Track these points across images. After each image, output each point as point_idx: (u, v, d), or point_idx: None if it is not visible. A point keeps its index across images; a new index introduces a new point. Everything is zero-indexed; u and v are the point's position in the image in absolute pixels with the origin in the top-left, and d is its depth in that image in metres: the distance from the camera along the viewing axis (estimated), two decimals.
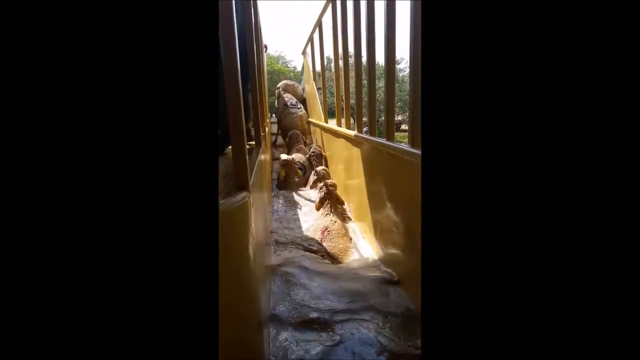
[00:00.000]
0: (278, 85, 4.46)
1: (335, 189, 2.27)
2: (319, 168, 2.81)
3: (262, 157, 1.44)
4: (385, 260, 1.59)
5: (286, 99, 4.06)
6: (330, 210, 2.15)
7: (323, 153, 3.26)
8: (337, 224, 1.97)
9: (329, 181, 2.33)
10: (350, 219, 2.17)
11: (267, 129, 2.62)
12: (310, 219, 2.21)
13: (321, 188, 2.27)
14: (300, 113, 3.96)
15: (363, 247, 1.86)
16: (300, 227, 2.13)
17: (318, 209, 2.22)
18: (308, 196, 2.69)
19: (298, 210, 2.47)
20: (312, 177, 2.86)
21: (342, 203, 2.27)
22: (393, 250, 1.50)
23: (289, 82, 4.54)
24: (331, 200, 2.20)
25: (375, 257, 1.70)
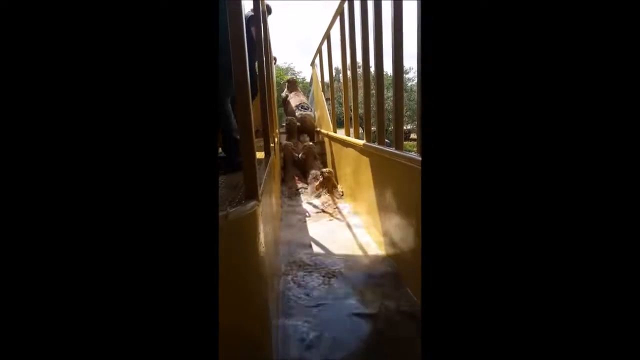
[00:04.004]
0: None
1: (332, 175, 2.98)
2: (325, 170, 3.14)
3: (271, 167, 1.46)
4: (403, 274, 1.57)
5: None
6: (326, 192, 2.91)
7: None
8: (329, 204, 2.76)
9: (325, 170, 3.04)
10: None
11: (276, 140, 2.65)
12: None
13: (321, 174, 3.02)
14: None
15: (373, 251, 1.85)
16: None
17: (317, 189, 2.96)
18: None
19: None
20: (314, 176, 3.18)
21: (335, 186, 2.97)
22: (403, 256, 1.49)
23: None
24: (327, 185, 2.94)
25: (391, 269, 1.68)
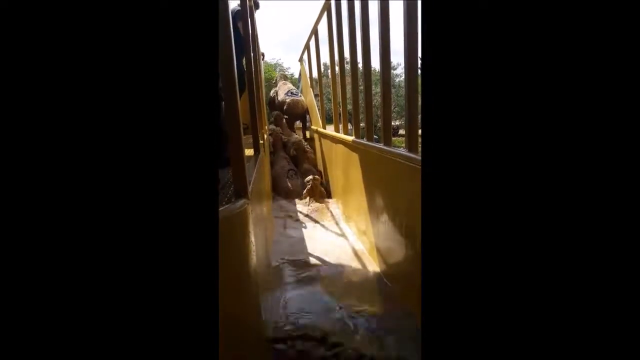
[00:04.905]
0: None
1: (319, 182, 2.87)
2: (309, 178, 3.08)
3: (261, 165, 1.45)
4: (387, 274, 1.59)
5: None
6: (314, 201, 2.83)
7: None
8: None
9: (311, 177, 2.90)
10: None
11: (265, 137, 2.63)
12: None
13: (308, 182, 2.87)
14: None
15: (361, 253, 1.87)
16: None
17: (305, 197, 2.87)
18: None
19: None
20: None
21: (324, 195, 2.87)
22: (392, 256, 1.50)
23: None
24: (315, 193, 2.85)
25: (377, 268, 1.70)
